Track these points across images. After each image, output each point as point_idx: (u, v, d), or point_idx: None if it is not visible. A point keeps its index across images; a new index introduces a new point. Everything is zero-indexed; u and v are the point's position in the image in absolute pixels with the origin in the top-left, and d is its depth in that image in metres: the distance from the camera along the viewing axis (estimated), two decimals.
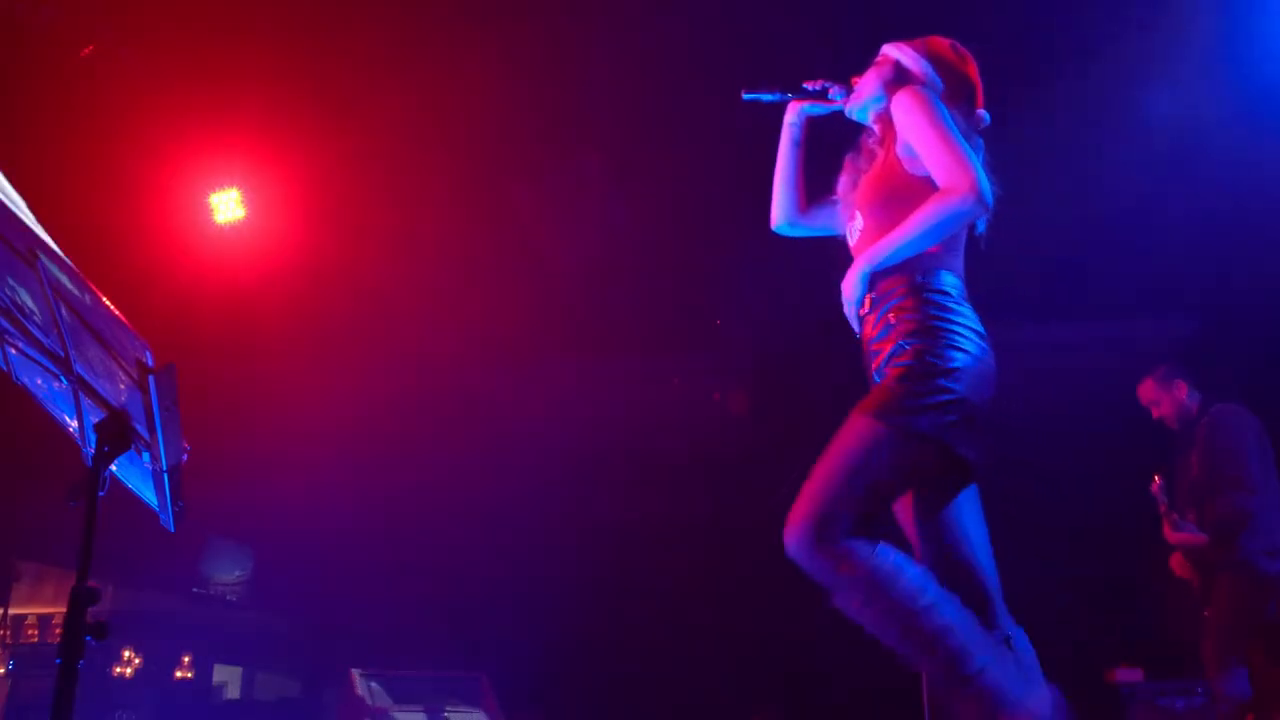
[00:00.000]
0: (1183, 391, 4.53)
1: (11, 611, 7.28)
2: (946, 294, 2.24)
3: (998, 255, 2.45)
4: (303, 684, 8.32)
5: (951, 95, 2.41)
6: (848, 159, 2.61)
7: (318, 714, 7.82)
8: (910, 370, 2.15)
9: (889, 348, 2.23)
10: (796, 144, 2.72)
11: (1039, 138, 4.96)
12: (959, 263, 2.34)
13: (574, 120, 5.63)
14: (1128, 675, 5.32)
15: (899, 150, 2.37)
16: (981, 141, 2.43)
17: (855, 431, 2.14)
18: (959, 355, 2.17)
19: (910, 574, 2.06)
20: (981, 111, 2.45)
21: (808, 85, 2.64)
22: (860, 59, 2.60)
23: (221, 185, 5.99)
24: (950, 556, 2.24)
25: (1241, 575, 4.21)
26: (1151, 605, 5.51)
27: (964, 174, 2.17)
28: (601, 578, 7.18)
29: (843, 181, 2.61)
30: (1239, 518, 4.19)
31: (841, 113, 2.62)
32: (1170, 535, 4.42)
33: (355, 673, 5.43)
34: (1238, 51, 4.86)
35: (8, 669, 6.73)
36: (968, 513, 2.29)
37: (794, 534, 2.08)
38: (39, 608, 7.50)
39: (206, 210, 6.00)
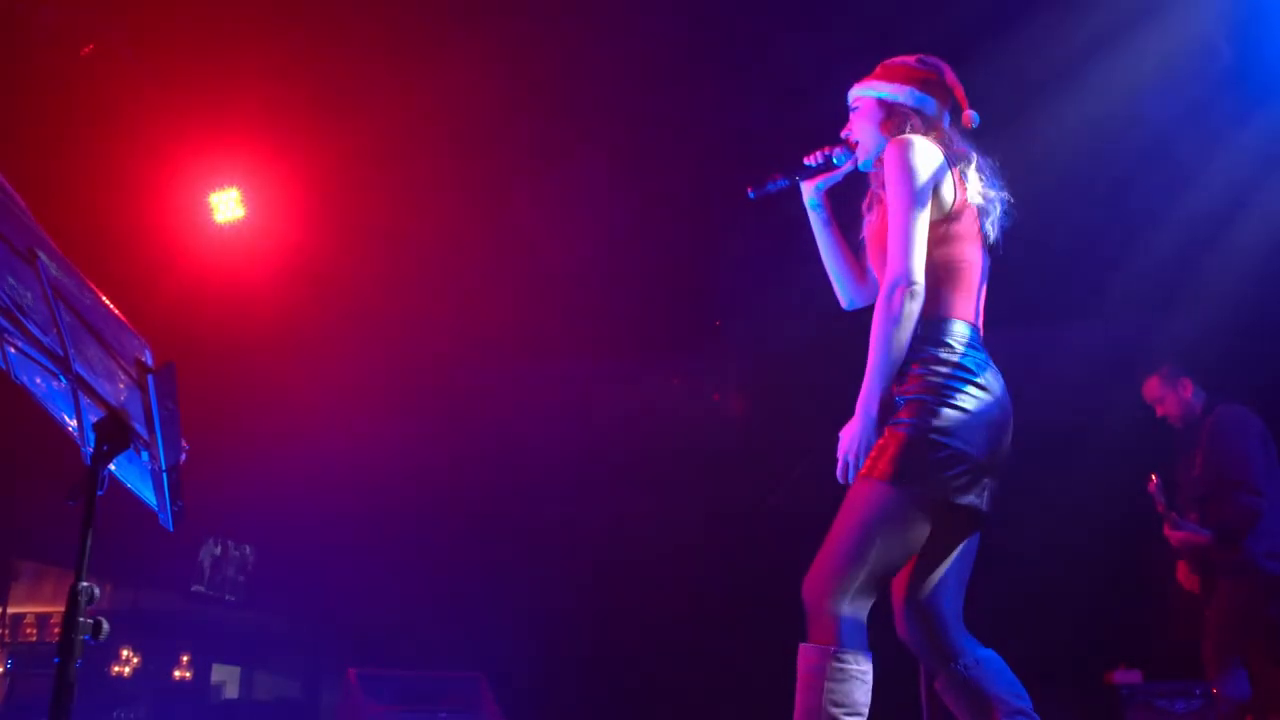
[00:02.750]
0: (1188, 390, 4.51)
1: (10, 610, 7.27)
2: (949, 346, 2.23)
3: (1000, 257, 2.45)
4: (302, 684, 8.31)
5: (941, 108, 2.44)
6: (864, 208, 2.55)
7: (317, 714, 7.81)
8: (905, 429, 2.16)
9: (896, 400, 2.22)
10: (827, 223, 2.62)
11: (1039, 140, 4.97)
12: (968, 301, 2.31)
13: (574, 120, 5.63)
14: (1127, 676, 5.32)
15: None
16: (971, 149, 2.41)
17: (860, 495, 2.18)
18: (952, 413, 2.16)
19: (862, 695, 2.09)
20: (971, 113, 2.43)
21: (809, 161, 2.54)
22: (861, 57, 2.59)
23: (221, 185, 5.98)
24: (920, 610, 2.29)
25: (1242, 576, 4.20)
26: (1151, 605, 5.50)
27: (897, 263, 2.21)
28: (601, 578, 7.18)
29: (866, 232, 2.55)
30: (1246, 518, 4.18)
31: (854, 172, 2.56)
32: (1171, 534, 4.41)
33: (354, 672, 5.43)
34: (1238, 52, 4.86)
35: (6, 668, 6.72)
36: (958, 558, 2.31)
37: (810, 589, 2.17)
38: (37, 607, 7.48)
39: (206, 210, 6.00)
